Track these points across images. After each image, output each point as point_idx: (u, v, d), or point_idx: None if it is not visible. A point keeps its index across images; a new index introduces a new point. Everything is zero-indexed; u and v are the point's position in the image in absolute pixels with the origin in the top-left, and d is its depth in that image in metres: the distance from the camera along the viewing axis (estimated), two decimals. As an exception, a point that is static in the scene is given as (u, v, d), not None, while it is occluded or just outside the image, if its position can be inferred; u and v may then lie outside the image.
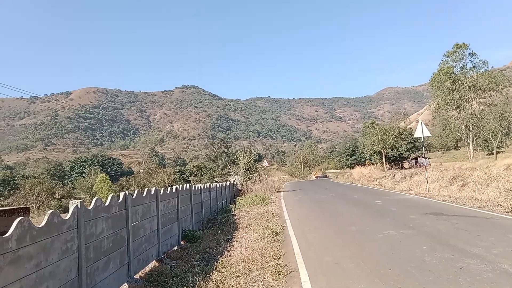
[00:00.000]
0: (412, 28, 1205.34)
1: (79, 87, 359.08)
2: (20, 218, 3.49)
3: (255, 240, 9.01)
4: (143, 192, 7.17)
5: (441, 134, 64.42)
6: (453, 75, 41.91)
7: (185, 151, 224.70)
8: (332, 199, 19.70)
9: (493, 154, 51.10)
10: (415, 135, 20.22)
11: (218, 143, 64.69)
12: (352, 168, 57.37)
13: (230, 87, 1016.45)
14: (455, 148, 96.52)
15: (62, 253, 4.13)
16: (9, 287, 3.22)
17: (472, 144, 44.32)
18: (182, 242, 9.52)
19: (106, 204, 5.44)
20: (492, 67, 43.86)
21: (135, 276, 6.21)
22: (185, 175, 78.51)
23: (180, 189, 9.82)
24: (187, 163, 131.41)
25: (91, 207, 4.96)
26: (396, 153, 55.20)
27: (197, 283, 5.70)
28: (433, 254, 6.55)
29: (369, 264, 6.23)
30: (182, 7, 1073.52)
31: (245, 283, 5.79)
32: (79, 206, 4.56)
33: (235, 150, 60.40)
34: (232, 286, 5.67)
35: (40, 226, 3.78)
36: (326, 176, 72.05)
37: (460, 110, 42.72)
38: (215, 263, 7.09)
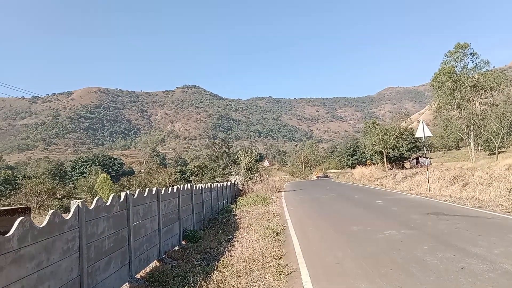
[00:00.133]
0: (413, 27, 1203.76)
1: (80, 87, 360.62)
2: (22, 217, 3.49)
3: (256, 240, 9.01)
4: (144, 192, 7.17)
5: (442, 134, 64.43)
6: (454, 75, 41.84)
7: (186, 151, 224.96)
8: (333, 199, 19.69)
9: (494, 154, 50.98)
10: (416, 135, 20.20)
11: (219, 143, 64.59)
12: (353, 168, 57.27)
13: (231, 87, 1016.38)
14: (456, 148, 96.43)
15: (64, 253, 4.13)
16: (11, 286, 3.22)
17: (474, 144, 44.23)
18: (183, 242, 9.53)
19: (107, 204, 5.44)
20: (494, 67, 43.87)
21: (136, 276, 6.21)
22: (186, 175, 78.64)
23: (181, 189, 9.82)
24: (188, 163, 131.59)
25: (92, 207, 4.96)
26: (397, 153, 55.15)
27: (198, 283, 5.70)
28: (434, 254, 6.54)
29: (370, 264, 6.23)
30: (182, 7, 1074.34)
31: (246, 283, 5.79)
32: (80, 205, 4.57)
33: (236, 150, 60.36)
34: (233, 286, 5.67)
35: (41, 225, 3.78)
36: (327, 176, 72.01)
37: (461, 110, 42.65)
38: (216, 263, 7.09)
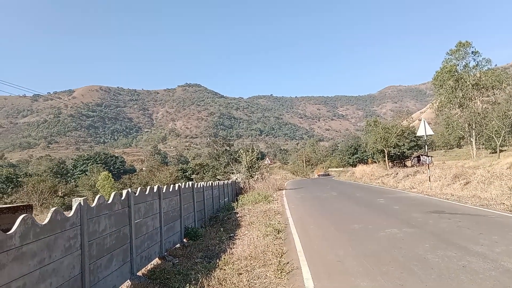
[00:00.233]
0: (413, 27, 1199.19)
1: (82, 85, 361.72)
2: (24, 215, 3.50)
3: (257, 238, 9.01)
4: (146, 190, 7.18)
5: (444, 133, 64.26)
6: (456, 73, 41.77)
7: (187, 149, 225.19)
8: (335, 197, 19.68)
9: (496, 152, 50.85)
10: (418, 134, 20.16)
11: (220, 141, 64.71)
12: (355, 167, 57.26)
13: (233, 85, 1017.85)
14: (458, 147, 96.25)
15: (66, 250, 4.14)
16: (13, 283, 3.24)
17: (475, 142, 44.19)
18: (184, 240, 9.55)
19: (109, 201, 5.45)
20: (495, 65, 43.94)
21: (137, 273, 6.23)
22: (187, 173, 78.79)
23: (182, 187, 9.83)
24: (189, 161, 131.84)
25: (94, 204, 4.97)
26: (398, 152, 55.15)
27: (200, 280, 5.72)
28: (435, 252, 6.54)
29: (371, 262, 6.23)
30: (182, 7, 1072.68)
31: (248, 281, 5.80)
32: (82, 203, 4.58)
33: (237, 148, 60.41)
34: (235, 283, 5.68)
35: (43, 223, 3.79)
36: (328, 175, 72.04)
37: (463, 108, 42.59)
38: (218, 261, 7.11)
